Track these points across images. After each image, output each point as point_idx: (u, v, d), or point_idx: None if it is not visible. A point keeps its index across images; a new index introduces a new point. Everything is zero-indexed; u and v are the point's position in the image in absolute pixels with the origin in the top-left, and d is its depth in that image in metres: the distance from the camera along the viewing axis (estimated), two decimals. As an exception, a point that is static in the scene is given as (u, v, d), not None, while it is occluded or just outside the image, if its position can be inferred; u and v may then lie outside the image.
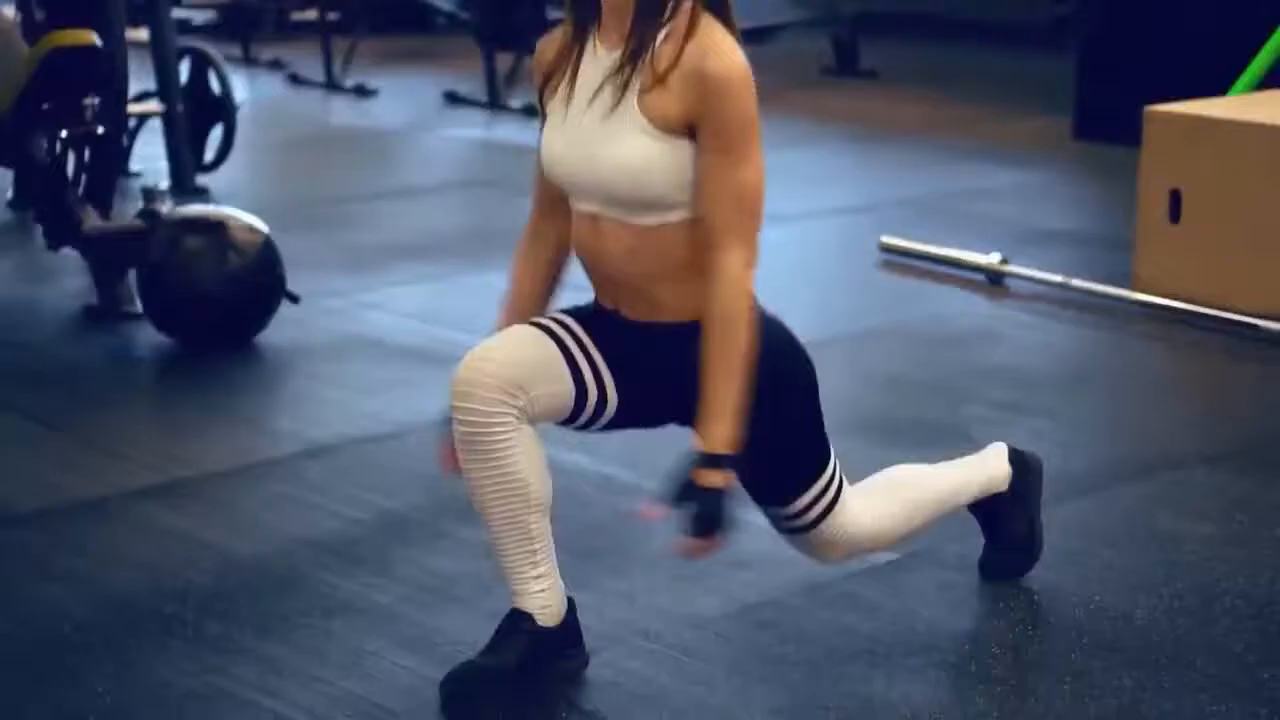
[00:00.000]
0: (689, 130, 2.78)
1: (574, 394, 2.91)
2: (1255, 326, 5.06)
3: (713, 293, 2.80)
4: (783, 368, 2.95)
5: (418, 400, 4.52)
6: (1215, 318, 5.16)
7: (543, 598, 2.96)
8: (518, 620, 2.96)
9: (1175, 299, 5.29)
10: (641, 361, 2.94)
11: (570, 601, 3.02)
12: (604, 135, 2.81)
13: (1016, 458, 3.46)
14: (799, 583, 3.45)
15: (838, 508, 3.09)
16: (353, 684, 3.04)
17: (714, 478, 2.80)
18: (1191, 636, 3.24)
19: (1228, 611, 3.34)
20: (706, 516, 2.81)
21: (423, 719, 2.92)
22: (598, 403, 2.93)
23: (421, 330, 5.15)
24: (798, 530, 3.12)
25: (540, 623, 2.95)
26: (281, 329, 5.04)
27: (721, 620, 3.29)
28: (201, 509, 3.83)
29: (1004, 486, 3.41)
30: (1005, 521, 3.44)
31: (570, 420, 2.95)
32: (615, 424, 3.00)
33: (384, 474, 4.03)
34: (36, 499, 3.90)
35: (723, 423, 2.79)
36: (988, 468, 3.41)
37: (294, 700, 2.98)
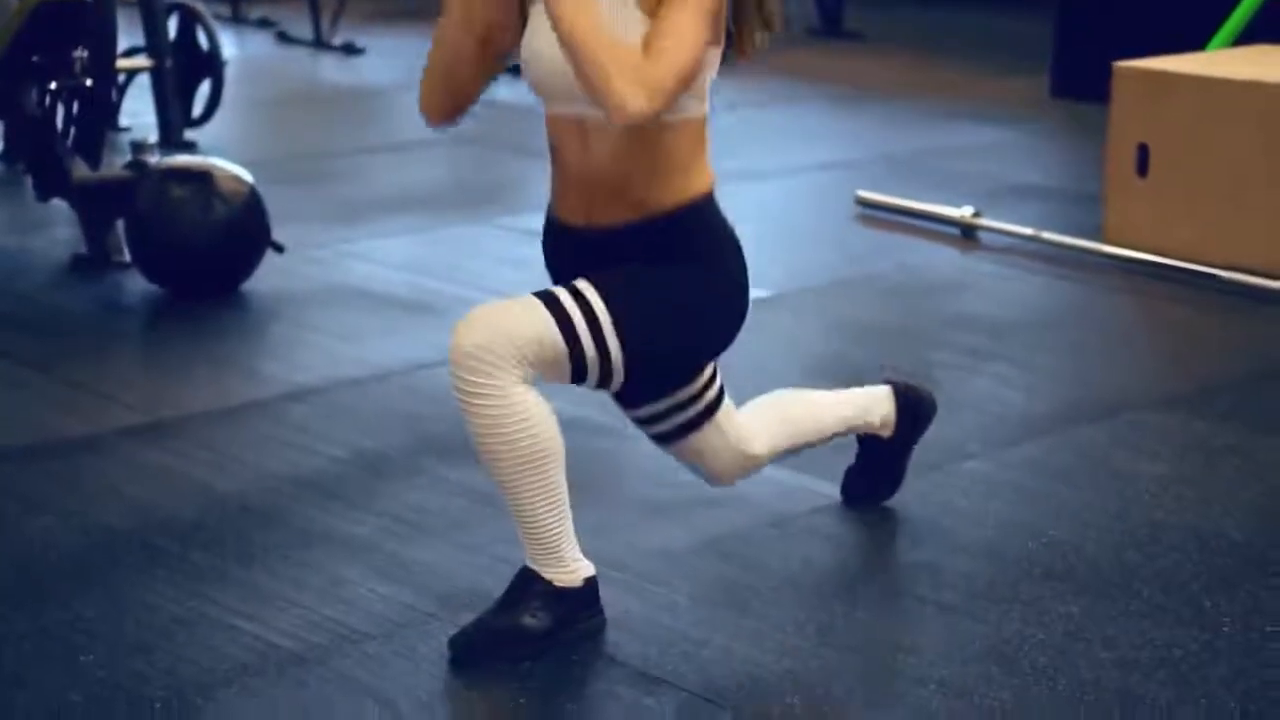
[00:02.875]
0: None
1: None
2: (1217, 277, 5.19)
3: None
4: (708, 256, 2.98)
5: (401, 346, 4.64)
6: (1181, 269, 5.28)
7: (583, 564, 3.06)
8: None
9: (1143, 251, 5.40)
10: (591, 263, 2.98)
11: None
12: None
13: (907, 401, 3.54)
14: (765, 519, 3.57)
15: (709, 426, 3.19)
16: (329, 609, 3.16)
17: None
18: (1139, 568, 3.36)
19: (1175, 545, 3.46)
20: None
21: (395, 641, 3.05)
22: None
23: (406, 280, 5.26)
24: (657, 438, 3.24)
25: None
26: (268, 278, 5.15)
27: (688, 553, 3.41)
28: (187, 447, 3.95)
29: (888, 433, 3.53)
30: (882, 457, 3.57)
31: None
32: None
33: (365, 415, 4.15)
34: (27, 438, 4.02)
35: None
36: (875, 412, 3.50)
37: (273, 624, 3.11)
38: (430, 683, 2.92)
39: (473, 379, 2.85)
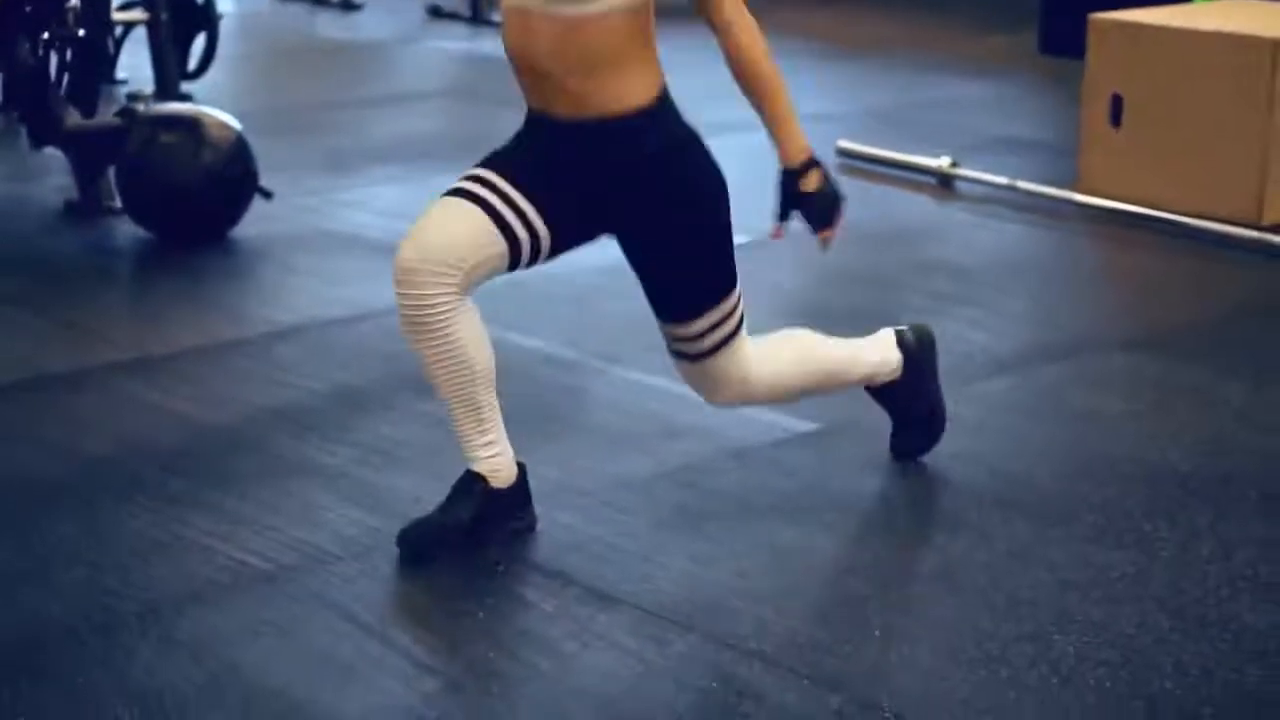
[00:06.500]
0: None
1: (507, 250, 3.12)
2: (1184, 225, 5.28)
3: (741, 43, 3.11)
4: (698, 178, 3.18)
5: (385, 288, 4.65)
6: (1151, 217, 5.38)
7: (493, 462, 3.21)
8: (471, 481, 3.21)
9: (1115, 200, 5.50)
10: (571, 175, 3.12)
11: (521, 467, 3.26)
12: None
13: (908, 342, 3.59)
14: (725, 450, 3.68)
15: (735, 344, 3.26)
16: (302, 532, 3.28)
17: (812, 180, 3.21)
18: (1087, 497, 3.47)
19: (1123, 476, 3.57)
20: (825, 210, 3.24)
21: (364, 561, 3.17)
22: (531, 247, 3.14)
23: (393, 227, 5.35)
24: (691, 357, 3.27)
25: (492, 484, 3.21)
26: (257, 224, 5.26)
27: (649, 480, 3.53)
28: (170, 383, 4.07)
29: (897, 374, 3.57)
30: (904, 404, 3.61)
31: (512, 269, 3.17)
32: (556, 252, 3.21)
33: (345, 353, 4.27)
34: (16, 374, 4.14)
35: (795, 135, 3.20)
36: (878, 351, 3.55)
37: (247, 545, 3.23)
38: (394, 599, 3.05)
39: (412, 293, 3.11)
